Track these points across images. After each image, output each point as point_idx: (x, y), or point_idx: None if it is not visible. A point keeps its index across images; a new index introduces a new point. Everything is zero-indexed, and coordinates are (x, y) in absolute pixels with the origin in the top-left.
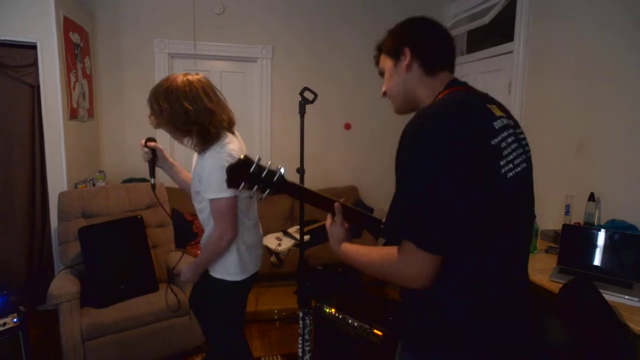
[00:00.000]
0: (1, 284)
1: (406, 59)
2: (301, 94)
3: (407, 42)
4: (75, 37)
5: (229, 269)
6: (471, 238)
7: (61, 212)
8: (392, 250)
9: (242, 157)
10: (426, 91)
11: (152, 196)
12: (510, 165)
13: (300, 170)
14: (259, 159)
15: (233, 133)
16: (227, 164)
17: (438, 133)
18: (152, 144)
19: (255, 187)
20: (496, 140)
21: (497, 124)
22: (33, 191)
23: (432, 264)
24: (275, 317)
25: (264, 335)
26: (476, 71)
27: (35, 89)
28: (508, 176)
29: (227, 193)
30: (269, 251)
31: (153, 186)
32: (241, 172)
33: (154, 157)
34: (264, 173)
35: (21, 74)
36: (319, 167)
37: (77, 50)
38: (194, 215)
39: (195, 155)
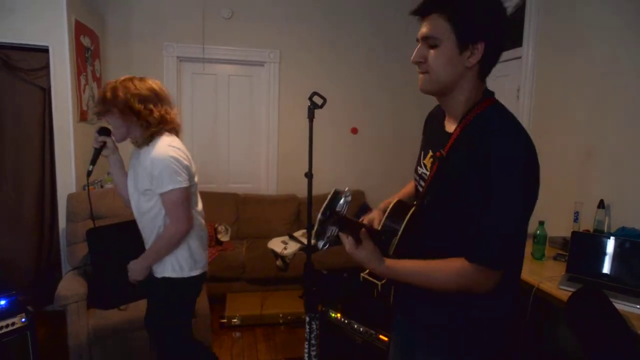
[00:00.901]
0: (10, 284)
1: (477, 55)
2: (310, 98)
3: (486, 35)
4: (86, 41)
5: (182, 264)
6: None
7: (70, 214)
8: (456, 264)
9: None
10: (467, 91)
11: None
12: None
13: (309, 175)
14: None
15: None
16: (175, 155)
17: (536, 163)
18: (103, 138)
19: (334, 230)
20: None
21: None
22: (42, 192)
23: (499, 277)
24: (281, 321)
25: (269, 339)
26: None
27: (46, 92)
28: None
29: (180, 184)
30: (274, 255)
31: (89, 172)
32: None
33: (102, 147)
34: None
35: (33, 77)
36: (325, 171)
37: (87, 53)
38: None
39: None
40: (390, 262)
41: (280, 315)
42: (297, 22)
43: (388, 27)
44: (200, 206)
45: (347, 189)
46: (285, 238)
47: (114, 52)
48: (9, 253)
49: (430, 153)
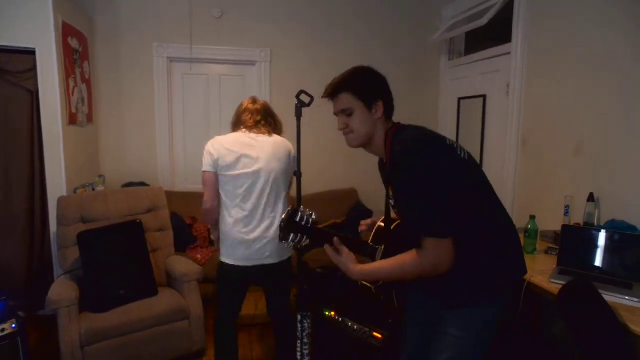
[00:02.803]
0: (0, 289)
1: (380, 109)
2: (297, 97)
3: (380, 95)
4: (74, 42)
5: (221, 250)
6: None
7: (60, 217)
8: (411, 254)
9: (289, 209)
10: (382, 130)
11: (152, 200)
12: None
13: (298, 174)
14: (302, 210)
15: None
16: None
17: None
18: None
19: (299, 236)
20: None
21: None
22: (32, 196)
23: (447, 246)
24: None
25: (263, 339)
26: (474, 72)
27: (34, 94)
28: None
29: (204, 167)
30: None
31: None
32: (289, 224)
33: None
34: (305, 220)
35: (20, 79)
36: (318, 171)
37: (76, 55)
38: (194, 219)
39: None
40: (362, 266)
41: None
42: (288, 21)
43: (380, 25)
44: (244, 203)
45: (302, 209)
46: None
47: (104, 53)
48: (0, 258)
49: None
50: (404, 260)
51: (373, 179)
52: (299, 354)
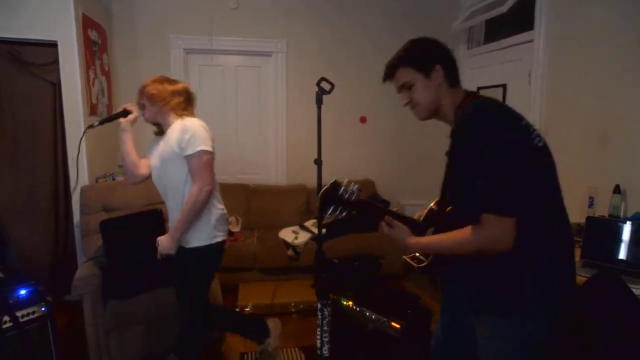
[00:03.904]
0: (29, 275)
1: (440, 74)
2: (318, 84)
3: (437, 59)
4: (93, 35)
5: (202, 234)
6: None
7: (83, 206)
8: (470, 228)
9: (333, 180)
10: (449, 97)
11: None
12: None
13: (318, 162)
14: (347, 182)
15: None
16: (205, 125)
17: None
18: (131, 107)
19: (340, 209)
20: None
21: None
22: (56, 185)
23: (507, 225)
24: (292, 310)
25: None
26: (494, 61)
27: (56, 86)
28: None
29: (209, 147)
30: (285, 244)
31: (91, 126)
32: (332, 196)
33: (122, 113)
34: (348, 195)
35: (43, 71)
36: (334, 160)
37: (95, 47)
38: None
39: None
40: (417, 238)
41: (292, 304)
42: (304, 11)
43: (397, 15)
44: (218, 189)
45: (346, 181)
46: (296, 228)
47: (121, 45)
48: (27, 245)
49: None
50: (462, 234)
51: (390, 170)
52: (318, 341)
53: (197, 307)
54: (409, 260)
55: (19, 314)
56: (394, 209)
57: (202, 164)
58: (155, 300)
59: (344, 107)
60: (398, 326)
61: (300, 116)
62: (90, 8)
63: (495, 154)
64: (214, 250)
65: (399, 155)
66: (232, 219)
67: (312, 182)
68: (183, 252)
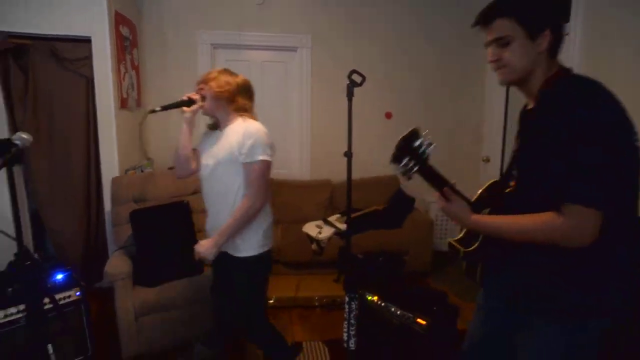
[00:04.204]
0: (64, 262)
1: (546, 41)
2: (349, 76)
3: (549, 23)
4: (124, 31)
5: (252, 243)
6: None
7: (114, 196)
8: (547, 215)
9: (413, 128)
10: (543, 71)
11: (197, 182)
12: None
13: (348, 154)
14: (424, 134)
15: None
16: (265, 133)
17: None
18: (195, 97)
19: (412, 163)
20: None
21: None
22: (88, 177)
23: (594, 221)
24: (316, 304)
25: (304, 321)
26: None
27: (89, 81)
28: None
29: (269, 157)
30: (309, 239)
31: (153, 111)
32: (409, 145)
33: (187, 102)
34: (423, 148)
35: (77, 66)
36: (358, 157)
37: (126, 42)
38: None
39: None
40: (479, 216)
41: (316, 298)
42: (329, 6)
43: (422, 10)
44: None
45: (425, 133)
46: (320, 222)
47: (150, 41)
48: (62, 235)
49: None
50: (536, 220)
51: None
52: (345, 334)
53: (258, 314)
54: (455, 243)
55: (56, 297)
56: (452, 182)
57: (260, 175)
58: (183, 288)
59: (369, 103)
60: (424, 323)
61: (324, 112)
62: (122, 5)
63: (599, 138)
64: (264, 259)
65: None
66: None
67: (336, 177)
68: (231, 261)
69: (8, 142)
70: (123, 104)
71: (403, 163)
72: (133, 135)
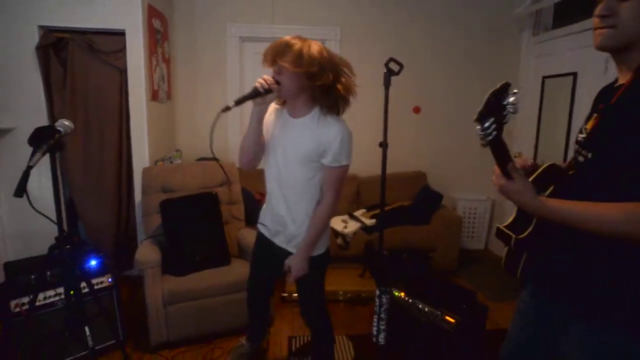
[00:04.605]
0: (97, 249)
1: None
2: (386, 65)
3: None
4: (156, 23)
5: (323, 241)
6: None
7: (144, 186)
8: (629, 204)
9: (505, 82)
10: None
11: (225, 175)
12: None
13: (384, 144)
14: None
15: None
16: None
17: None
18: (274, 86)
19: (494, 127)
20: None
21: None
22: (120, 166)
23: None
24: (340, 298)
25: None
26: (563, 48)
27: (123, 73)
28: None
29: (350, 162)
30: (335, 233)
31: (227, 108)
32: (498, 102)
33: (266, 92)
34: (509, 110)
35: (112, 58)
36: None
37: (158, 35)
38: (262, 195)
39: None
40: (545, 198)
41: (340, 293)
42: None
43: (453, 1)
44: None
45: (516, 90)
46: (346, 217)
47: (181, 34)
48: (93, 222)
49: (595, 115)
50: (620, 209)
51: (442, 163)
52: (374, 328)
53: (325, 310)
54: (504, 229)
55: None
56: (516, 154)
57: (341, 178)
58: (211, 278)
59: (397, 97)
60: (453, 321)
61: (352, 106)
62: None
63: None
64: (327, 255)
65: (452, 149)
66: (328, 239)
67: (362, 172)
68: (312, 259)
69: (51, 129)
70: (154, 96)
71: (486, 125)
72: (163, 127)
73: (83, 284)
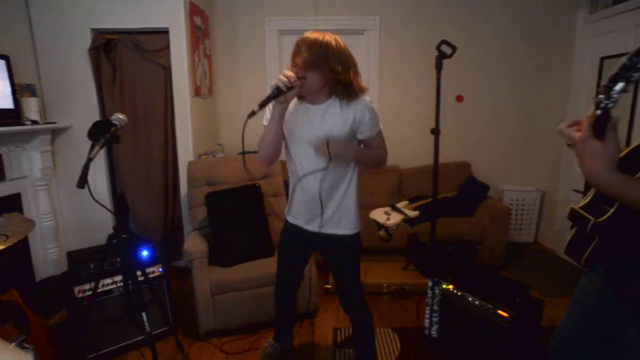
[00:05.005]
0: (148, 240)
1: None
2: (438, 47)
3: None
4: (198, 21)
5: (358, 220)
6: None
7: (189, 180)
8: None
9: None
10: None
11: (268, 168)
12: None
13: (435, 131)
14: None
15: None
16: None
17: None
18: (295, 81)
19: (618, 93)
20: None
21: None
22: (166, 161)
23: None
24: (384, 291)
25: (373, 307)
26: (629, 23)
27: (167, 70)
28: None
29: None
30: (377, 225)
31: (252, 113)
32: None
33: (288, 89)
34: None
35: (156, 57)
36: (426, 140)
37: (199, 32)
38: None
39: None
40: (622, 173)
41: (384, 285)
42: None
43: None
44: None
45: None
46: (388, 209)
47: (221, 29)
48: (142, 214)
49: None
50: None
51: (487, 153)
52: (427, 320)
53: (362, 298)
54: (581, 211)
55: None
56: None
57: (382, 139)
58: (256, 269)
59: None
60: (506, 315)
61: (392, 96)
62: None
63: None
64: (359, 240)
65: (497, 138)
66: None
67: (403, 164)
68: (347, 240)
69: (108, 123)
70: (197, 91)
71: (617, 88)
72: (206, 122)
73: (139, 272)
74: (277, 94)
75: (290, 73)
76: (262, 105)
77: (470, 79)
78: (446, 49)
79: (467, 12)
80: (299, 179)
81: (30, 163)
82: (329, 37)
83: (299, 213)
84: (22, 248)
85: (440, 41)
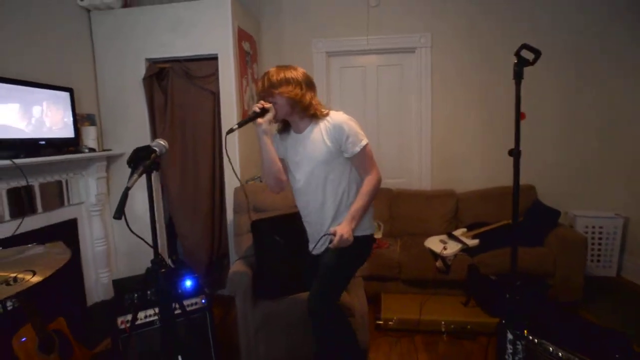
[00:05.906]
0: (193, 268)
1: None
2: (517, 54)
3: None
4: (246, 46)
5: (364, 223)
6: None
7: (235, 205)
8: None
9: None
10: None
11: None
12: None
13: (515, 152)
14: None
15: None
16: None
17: None
18: (268, 105)
19: None
20: None
21: None
22: (213, 186)
23: None
24: (443, 329)
25: (430, 349)
26: None
27: (215, 95)
28: None
29: (366, 139)
30: (433, 255)
31: (231, 130)
32: None
33: (260, 113)
34: None
35: (205, 82)
36: (486, 161)
37: (247, 57)
38: None
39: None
40: None
41: (442, 323)
42: (448, 1)
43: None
44: None
45: None
46: (444, 237)
47: (268, 53)
48: (189, 240)
49: None
50: None
51: (553, 175)
52: None
53: (335, 303)
54: None
55: (184, 303)
56: None
57: (370, 156)
58: (302, 303)
59: (499, 103)
60: None
61: (445, 116)
62: (244, 21)
63: None
64: (369, 242)
65: (568, 159)
66: (374, 224)
67: (459, 187)
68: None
69: (148, 149)
70: (244, 116)
71: None
72: (253, 147)
73: (176, 305)
74: (255, 116)
75: (263, 101)
76: (241, 124)
77: (533, 97)
78: (527, 55)
79: (522, 28)
80: (303, 204)
81: (87, 189)
82: (287, 69)
83: (311, 236)
84: (75, 272)
85: (520, 45)
